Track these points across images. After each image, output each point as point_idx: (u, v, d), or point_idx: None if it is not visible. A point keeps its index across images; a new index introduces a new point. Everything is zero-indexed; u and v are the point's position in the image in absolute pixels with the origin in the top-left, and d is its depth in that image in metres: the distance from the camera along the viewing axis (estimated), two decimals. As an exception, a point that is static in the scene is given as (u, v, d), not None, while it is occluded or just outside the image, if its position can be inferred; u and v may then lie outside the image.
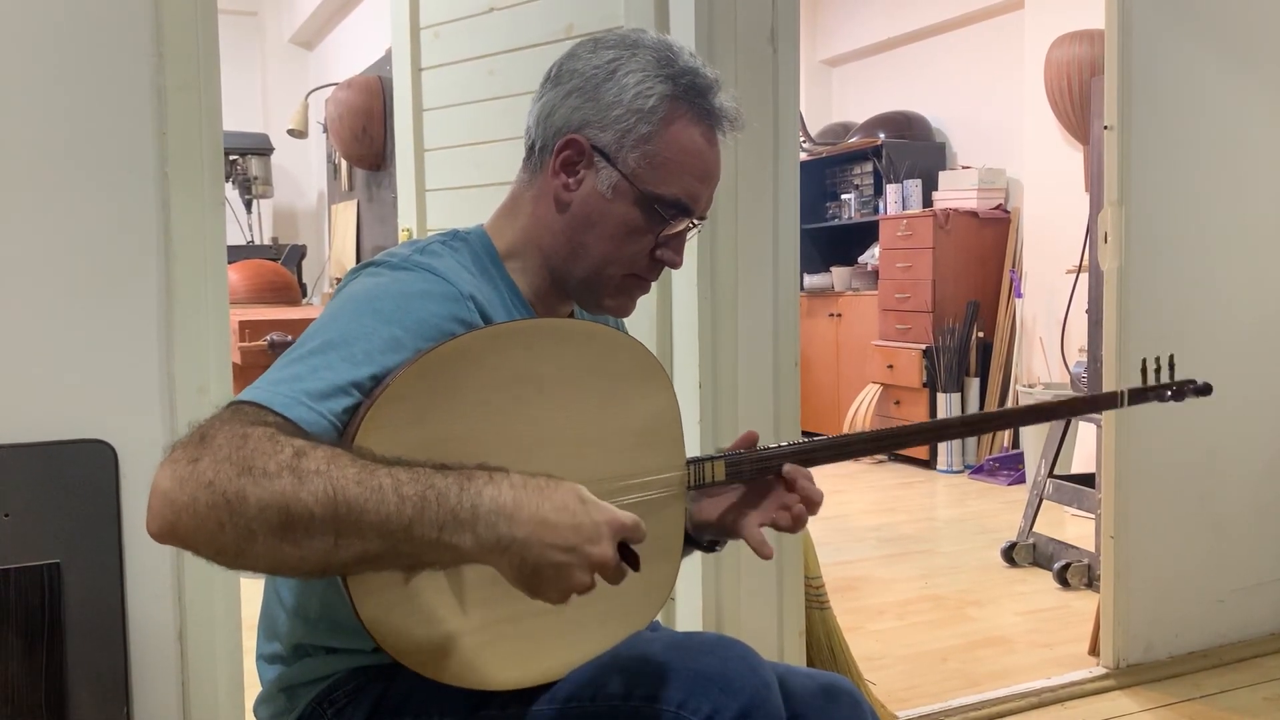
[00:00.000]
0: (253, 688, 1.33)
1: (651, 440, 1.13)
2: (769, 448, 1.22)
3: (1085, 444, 4.31)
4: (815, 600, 2.35)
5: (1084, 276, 4.44)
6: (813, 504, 1.20)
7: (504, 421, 1.02)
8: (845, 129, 6.57)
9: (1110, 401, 1.38)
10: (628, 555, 0.95)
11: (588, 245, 1.17)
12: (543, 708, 1.07)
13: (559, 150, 1.16)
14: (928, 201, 5.79)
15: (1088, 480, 3.60)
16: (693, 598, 2.18)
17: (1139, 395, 1.39)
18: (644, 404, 1.13)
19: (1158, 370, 1.40)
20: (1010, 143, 5.68)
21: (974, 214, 5.56)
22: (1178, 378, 1.41)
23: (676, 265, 1.21)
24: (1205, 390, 1.40)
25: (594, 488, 1.06)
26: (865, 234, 6.22)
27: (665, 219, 1.16)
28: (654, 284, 1.25)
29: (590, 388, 1.09)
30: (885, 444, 1.32)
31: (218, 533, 0.84)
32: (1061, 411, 1.41)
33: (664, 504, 1.14)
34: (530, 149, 1.21)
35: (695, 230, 1.23)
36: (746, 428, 2.19)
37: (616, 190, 1.15)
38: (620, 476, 1.10)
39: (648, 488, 1.12)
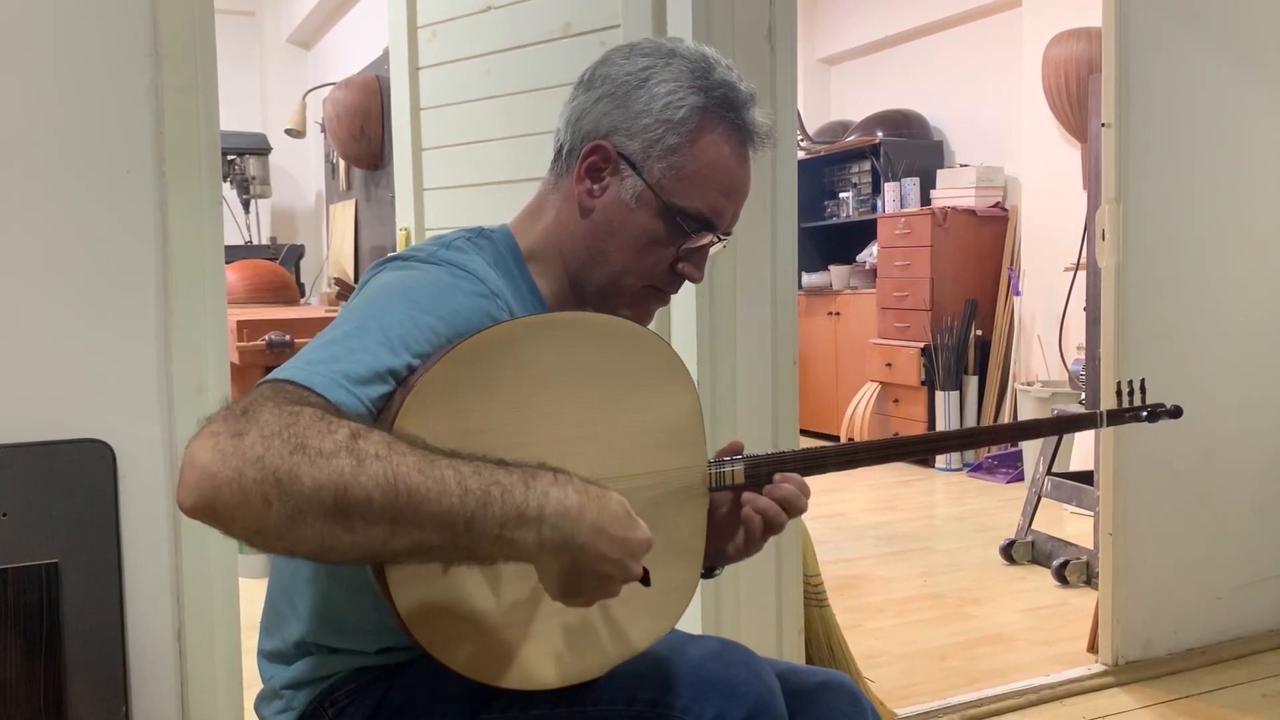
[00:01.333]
0: (251, 687, 1.33)
1: (675, 439, 1.13)
2: (787, 451, 1.22)
3: (1084, 441, 4.31)
4: (814, 598, 2.35)
5: (1082, 274, 4.45)
6: (793, 510, 1.17)
7: (535, 413, 1.02)
8: (843, 127, 6.58)
9: (1090, 422, 1.43)
10: (644, 572, 0.97)
11: (607, 253, 1.16)
12: (544, 711, 1.06)
13: (585, 155, 1.15)
14: (926, 200, 5.79)
15: (1086, 478, 3.60)
16: (693, 598, 2.18)
17: (1116, 416, 1.43)
18: (669, 402, 1.13)
19: (1130, 394, 1.45)
20: (1008, 141, 5.69)
21: (972, 212, 5.56)
22: (1149, 401, 1.47)
23: (697, 280, 1.20)
24: (1176, 413, 1.46)
25: (623, 483, 1.06)
26: (863, 232, 6.22)
27: (687, 232, 1.15)
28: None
29: (618, 383, 1.09)
30: (890, 454, 1.31)
31: (263, 511, 0.79)
32: (1046, 429, 1.47)
33: (685, 504, 1.14)
34: (558, 152, 1.20)
35: (720, 246, 1.21)
36: (745, 426, 2.21)
37: (640, 199, 1.14)
38: (643, 474, 1.10)
39: (669, 486, 1.13)
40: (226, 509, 0.80)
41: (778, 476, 1.18)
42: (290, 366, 0.93)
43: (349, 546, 0.83)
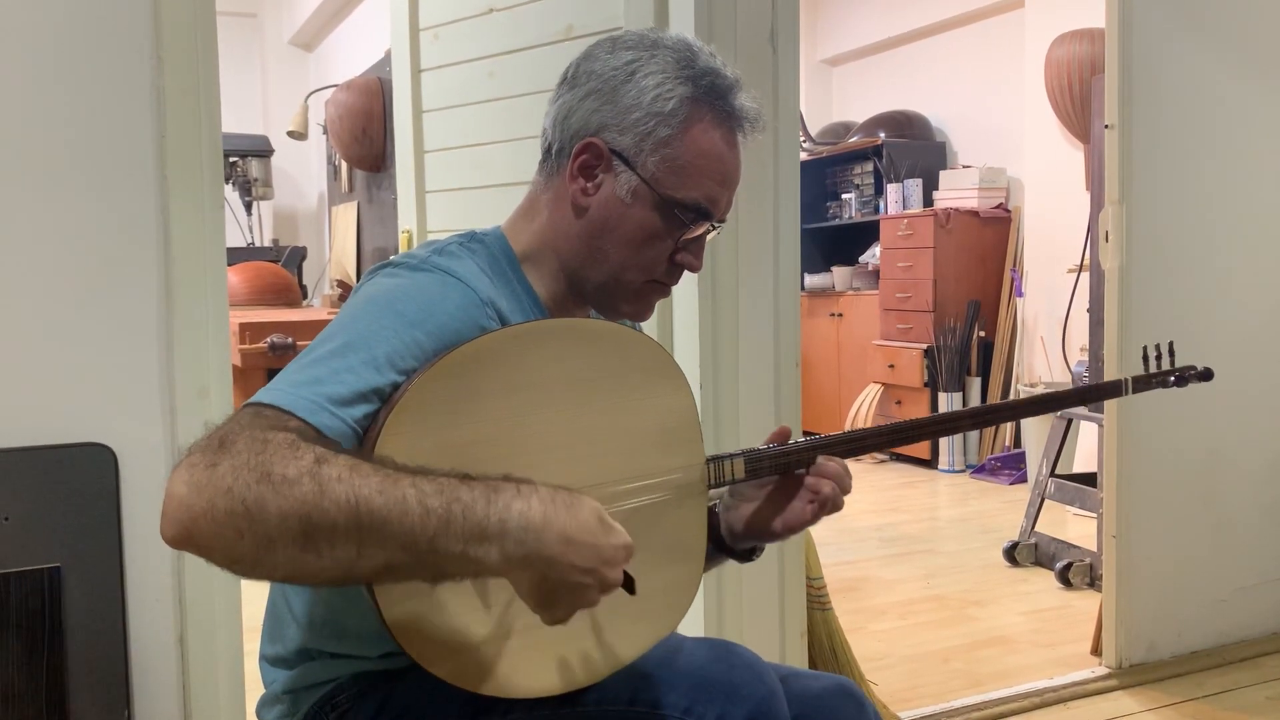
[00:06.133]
0: (253, 691, 1.33)
1: (670, 439, 1.12)
2: (789, 443, 1.21)
3: (1086, 443, 4.30)
4: (817, 601, 2.34)
5: (1085, 275, 4.44)
6: (845, 488, 1.20)
7: (524, 424, 1.01)
8: (846, 128, 6.57)
9: (1114, 390, 1.39)
10: (627, 579, 0.95)
11: (606, 251, 1.15)
12: (547, 713, 1.06)
13: (577, 154, 1.14)
14: (928, 201, 5.78)
15: (1089, 479, 3.59)
16: (695, 600, 2.17)
17: (1143, 383, 1.40)
18: (662, 403, 1.12)
19: (1159, 357, 1.41)
20: (1011, 142, 5.68)
21: (975, 213, 5.56)
22: (1178, 364, 1.43)
23: (696, 269, 1.20)
24: (1207, 375, 1.42)
25: (613, 488, 1.06)
26: (866, 233, 6.22)
27: (685, 223, 1.14)
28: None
29: (608, 387, 1.08)
30: (899, 437, 1.31)
31: (236, 541, 0.81)
32: (1070, 400, 1.42)
33: (684, 503, 1.13)
34: (546, 151, 1.19)
35: (714, 233, 1.20)
36: (747, 428, 2.21)
37: (635, 194, 1.13)
38: (639, 476, 1.10)
39: (667, 487, 1.12)
40: (203, 539, 0.82)
41: (820, 458, 1.20)
42: (273, 389, 0.92)
43: (319, 570, 0.84)
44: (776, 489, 1.23)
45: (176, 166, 1.70)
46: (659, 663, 1.08)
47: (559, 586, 0.90)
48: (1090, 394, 1.46)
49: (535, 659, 1.02)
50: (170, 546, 0.84)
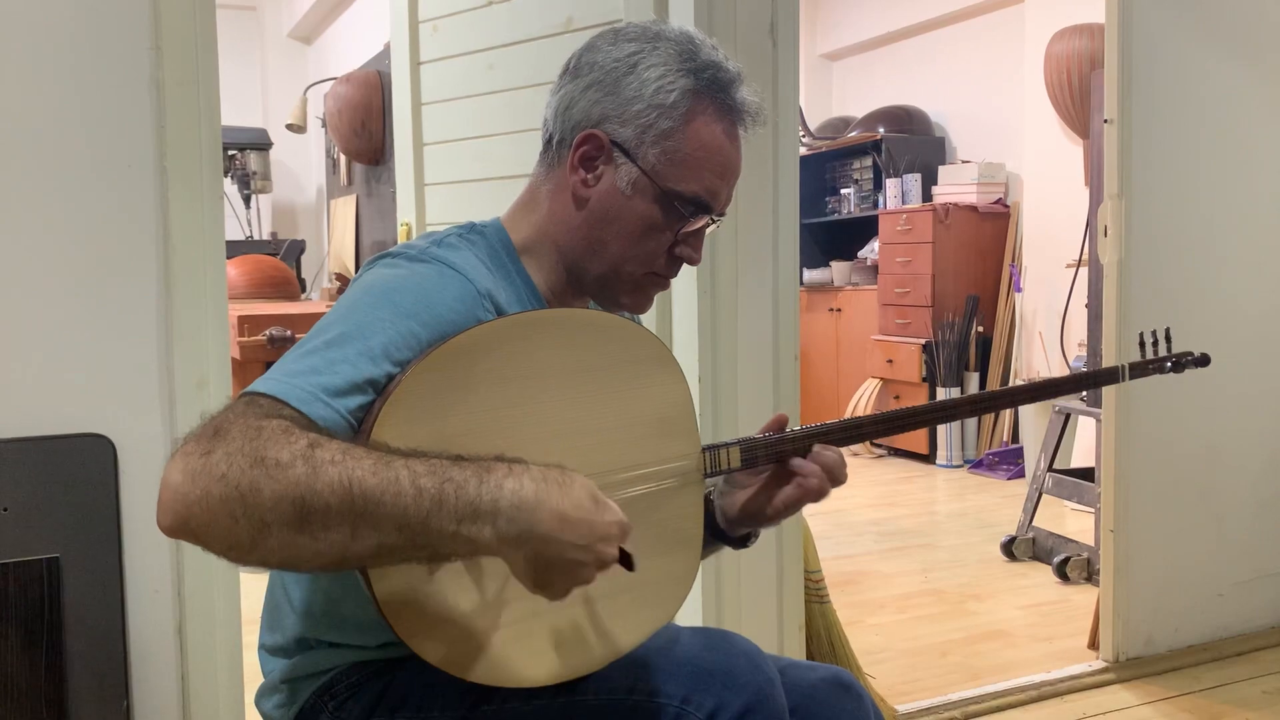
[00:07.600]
0: (252, 682, 1.33)
1: (666, 429, 1.13)
2: (786, 432, 1.22)
3: (1085, 438, 4.31)
4: (815, 594, 2.35)
5: (1084, 270, 4.44)
6: (836, 479, 1.20)
7: (518, 414, 1.01)
8: (845, 123, 6.57)
9: (1112, 376, 1.39)
10: (624, 556, 0.95)
11: (606, 242, 1.15)
12: (544, 702, 1.06)
13: (578, 145, 1.14)
14: (927, 196, 5.78)
15: (1087, 474, 3.60)
16: (693, 591, 2.18)
17: (1140, 369, 1.40)
18: (658, 393, 1.12)
19: (1155, 344, 1.41)
20: (1010, 137, 5.68)
21: (974, 208, 5.55)
22: (1175, 350, 1.43)
23: (695, 262, 1.20)
24: (1204, 361, 1.43)
25: (610, 477, 1.06)
26: (865, 228, 6.22)
27: (685, 216, 1.15)
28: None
29: (604, 377, 1.08)
30: (896, 425, 1.31)
31: (231, 526, 0.82)
32: (1067, 387, 1.43)
33: (680, 492, 1.14)
34: (547, 142, 1.19)
35: (714, 226, 1.21)
36: (746, 423, 2.21)
37: (636, 187, 1.13)
38: (636, 465, 1.10)
39: (664, 476, 1.12)
40: (200, 527, 0.82)
41: (817, 447, 1.20)
42: (269, 379, 0.93)
43: (314, 554, 0.84)
44: (772, 475, 1.23)
45: (176, 159, 1.70)
46: (657, 652, 1.09)
47: (554, 564, 0.90)
48: (1088, 380, 1.46)
49: (532, 647, 1.02)
50: (167, 536, 0.84)
